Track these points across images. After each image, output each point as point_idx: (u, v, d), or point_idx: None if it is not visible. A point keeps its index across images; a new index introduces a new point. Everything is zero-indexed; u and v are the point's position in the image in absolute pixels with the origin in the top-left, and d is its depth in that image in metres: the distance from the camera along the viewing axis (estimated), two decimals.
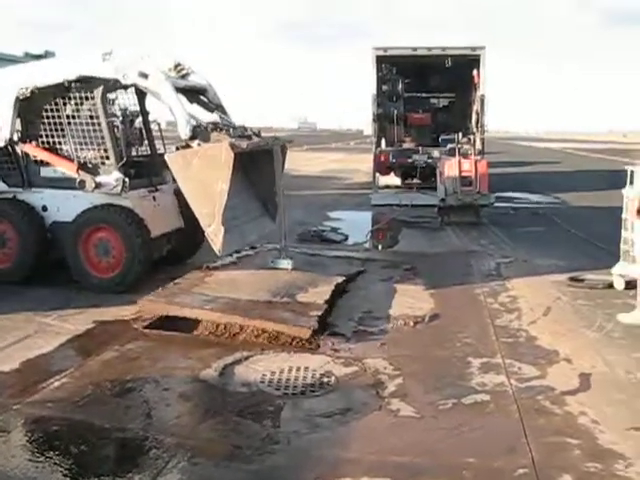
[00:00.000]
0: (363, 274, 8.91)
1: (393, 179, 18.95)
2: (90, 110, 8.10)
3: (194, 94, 8.36)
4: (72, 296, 7.50)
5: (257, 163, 8.31)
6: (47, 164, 8.24)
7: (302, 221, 12.94)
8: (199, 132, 7.31)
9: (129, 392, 4.97)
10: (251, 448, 4.17)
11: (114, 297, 7.44)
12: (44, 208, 8.27)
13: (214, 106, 8.36)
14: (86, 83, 7.96)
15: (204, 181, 6.73)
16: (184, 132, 7.29)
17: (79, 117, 8.17)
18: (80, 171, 8.01)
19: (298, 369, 5.48)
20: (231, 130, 7.62)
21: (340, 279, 8.11)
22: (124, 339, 6.15)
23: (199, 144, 7.18)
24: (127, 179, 7.99)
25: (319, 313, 6.58)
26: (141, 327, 6.50)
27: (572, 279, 8.40)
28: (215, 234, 6.72)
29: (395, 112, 19.06)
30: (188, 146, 7.29)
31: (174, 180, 7.48)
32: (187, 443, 4.23)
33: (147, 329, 6.45)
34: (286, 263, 8.22)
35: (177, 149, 7.48)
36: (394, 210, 15.18)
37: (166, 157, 7.20)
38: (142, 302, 6.86)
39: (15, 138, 8.25)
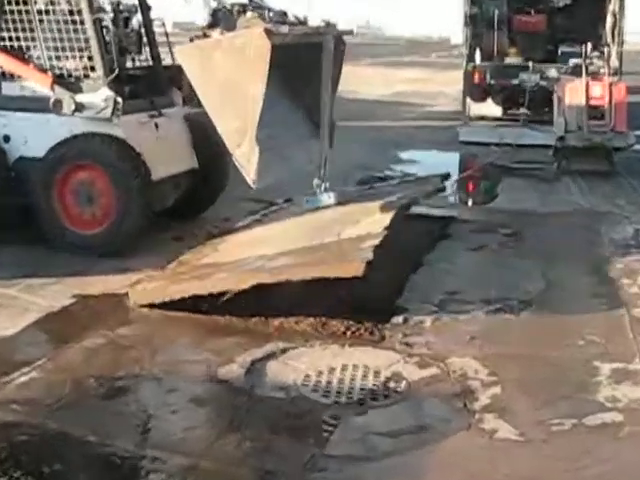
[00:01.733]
0: (448, 239, 8.89)
1: (491, 108, 18.54)
2: (70, 3, 8.06)
3: None
4: (43, 260, 7.56)
5: (303, 64, 8.01)
6: (11, 77, 8.25)
7: (362, 163, 12.91)
8: (221, 16, 7.31)
9: (121, 393, 5.02)
10: (288, 475, 4.16)
11: (101, 262, 7.48)
12: (6, 138, 8.28)
13: None
14: None
15: (230, 83, 6.63)
16: (201, 17, 7.44)
17: (55, 12, 8.12)
18: (55, 87, 7.99)
19: (355, 369, 5.48)
20: (266, 13, 7.53)
21: (406, 201, 8.07)
22: (114, 320, 6.19)
23: (222, 33, 7.09)
24: (120, 99, 7.89)
25: (375, 242, 6.42)
26: (138, 304, 6.48)
27: None
28: (247, 157, 6.67)
29: (496, 13, 18.68)
30: (206, 36, 7.26)
31: (186, 100, 7.48)
32: (200, 465, 4.25)
33: (146, 307, 6.42)
34: (327, 197, 8.14)
35: (191, 41, 7.40)
36: (491, 151, 14.98)
37: (176, 52, 7.19)
38: (133, 292, 6.70)
39: None
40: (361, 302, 6.61)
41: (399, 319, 6.44)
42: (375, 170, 12.67)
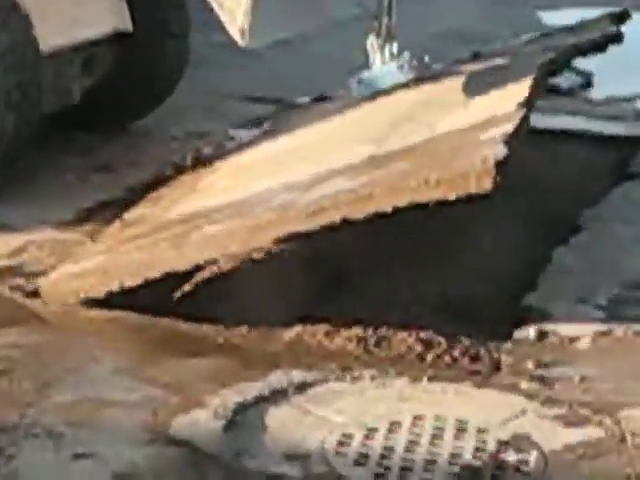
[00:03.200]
0: (633, 181, 7.96)
1: None
2: None
3: None
4: None
5: None
6: None
7: (464, 31, 11.87)
8: None
9: None
10: None
11: None
12: None
13: None
14: None
15: None
16: None
17: None
18: None
19: (440, 425, 4.83)
20: None
21: (553, 56, 7.28)
22: None
23: None
24: None
25: (508, 127, 5.64)
26: (26, 293, 6.09)
27: None
28: None
29: None
30: None
31: None
32: None
33: (36, 299, 5.99)
34: (396, 69, 7.27)
35: None
36: None
37: None
38: (46, 285, 6.26)
39: None
40: (456, 298, 6.07)
41: (529, 332, 5.75)
42: (488, 45, 11.51)
